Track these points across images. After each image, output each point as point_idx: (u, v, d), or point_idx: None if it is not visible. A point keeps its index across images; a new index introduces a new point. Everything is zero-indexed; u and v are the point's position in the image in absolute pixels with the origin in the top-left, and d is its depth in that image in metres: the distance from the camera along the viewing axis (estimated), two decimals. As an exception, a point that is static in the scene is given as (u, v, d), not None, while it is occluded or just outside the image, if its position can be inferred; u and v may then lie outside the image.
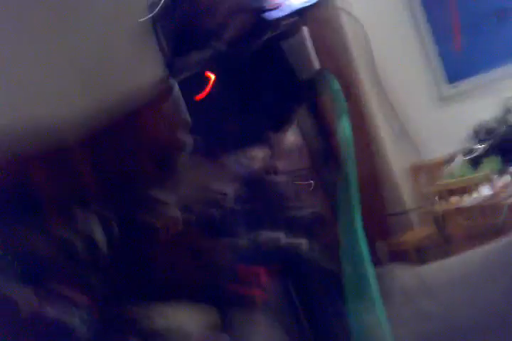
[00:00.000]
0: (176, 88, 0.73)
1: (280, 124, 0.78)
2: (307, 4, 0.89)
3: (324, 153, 0.92)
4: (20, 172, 5.57)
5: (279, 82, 0.71)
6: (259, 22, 0.68)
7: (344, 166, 0.69)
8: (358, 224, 0.68)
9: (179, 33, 0.73)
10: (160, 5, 0.79)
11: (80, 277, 4.65)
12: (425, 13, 4.06)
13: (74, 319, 3.21)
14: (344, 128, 0.70)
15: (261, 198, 0.79)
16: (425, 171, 4.31)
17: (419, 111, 3.99)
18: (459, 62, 4.04)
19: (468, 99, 4.06)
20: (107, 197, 6.44)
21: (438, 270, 1.85)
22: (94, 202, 6.20)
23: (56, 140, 5.88)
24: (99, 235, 5.56)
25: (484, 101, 3.92)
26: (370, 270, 0.66)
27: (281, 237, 0.77)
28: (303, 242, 0.76)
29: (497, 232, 3.14)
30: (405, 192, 4.47)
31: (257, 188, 0.81)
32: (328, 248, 0.77)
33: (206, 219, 5.43)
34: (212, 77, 0.70)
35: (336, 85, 0.72)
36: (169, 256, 5.60)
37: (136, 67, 6.00)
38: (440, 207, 3.64)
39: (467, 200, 3.41)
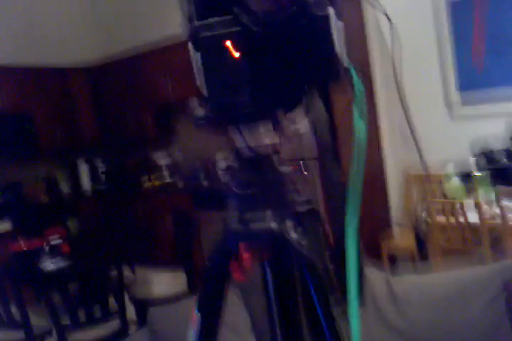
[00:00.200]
0: (196, 50, 0.70)
1: (293, 104, 0.76)
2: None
3: (332, 149, 0.91)
4: (23, 107, 5.50)
5: (304, 62, 0.68)
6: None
7: (353, 168, 0.68)
8: (354, 224, 0.67)
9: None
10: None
11: (62, 219, 4.63)
12: (450, 25, 4.04)
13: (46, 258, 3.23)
14: (360, 129, 0.68)
15: (260, 179, 0.78)
16: (420, 183, 4.32)
17: (430, 123, 3.99)
18: (479, 78, 4.02)
19: (477, 124, 4.06)
20: (102, 145, 6.41)
21: (411, 284, 1.85)
22: (89, 148, 6.18)
23: (63, 78, 5.79)
24: (84, 180, 5.52)
25: (495, 130, 3.91)
26: (353, 271, 0.66)
27: (272, 222, 0.75)
28: (292, 231, 0.75)
29: (473, 259, 3.16)
30: (395, 200, 4.50)
31: (258, 169, 0.80)
32: (316, 242, 0.77)
33: (195, 187, 5.40)
34: (232, 45, 0.67)
35: (361, 86, 0.70)
36: (151, 214, 5.59)
37: (156, 18, 5.94)
38: (425, 222, 3.66)
39: (452, 222, 3.42)
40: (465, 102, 4.13)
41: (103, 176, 6.40)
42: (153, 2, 5.85)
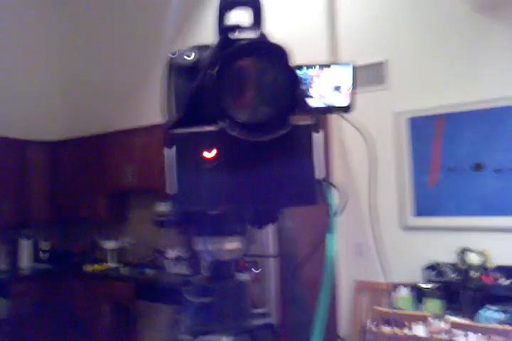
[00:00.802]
0: (167, 146, 0.67)
1: (266, 222, 0.74)
2: (338, 105, 0.87)
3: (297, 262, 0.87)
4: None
5: (281, 179, 0.66)
6: (289, 109, 0.64)
7: (323, 283, 0.65)
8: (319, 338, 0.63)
9: (193, 98, 0.69)
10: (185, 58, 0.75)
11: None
12: (410, 147, 4.24)
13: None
14: (331, 245, 0.66)
15: (216, 288, 0.73)
16: (369, 291, 4.29)
17: (382, 234, 4.03)
18: (431, 198, 4.16)
19: (429, 237, 4.14)
20: (49, 223, 6.16)
21: None
22: (36, 225, 5.93)
23: (20, 150, 5.71)
24: (24, 258, 5.26)
25: (445, 243, 4.00)
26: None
27: (224, 336, 0.70)
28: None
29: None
30: (343, 307, 4.43)
31: (216, 275, 0.75)
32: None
33: (140, 276, 5.17)
34: (211, 154, 0.65)
35: (334, 201, 0.69)
36: (89, 301, 5.32)
37: (124, 103, 6.07)
38: (371, 332, 3.57)
39: (399, 334, 3.35)
40: (417, 215, 4.24)
41: (45, 255, 6.13)
42: (124, 88, 5.98)
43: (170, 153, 0.66)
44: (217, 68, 0.60)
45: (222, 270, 0.74)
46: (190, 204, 0.66)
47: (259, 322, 0.75)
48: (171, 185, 0.66)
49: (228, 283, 0.73)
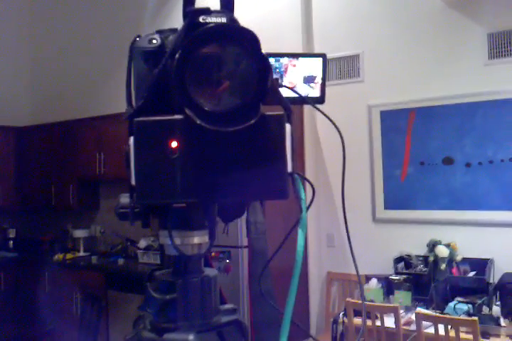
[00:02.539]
0: (130, 135, 0.64)
1: (233, 216, 0.71)
2: (311, 95, 0.84)
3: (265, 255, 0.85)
4: None
5: (251, 171, 0.63)
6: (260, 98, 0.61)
7: (293, 278, 0.63)
8: (285, 334, 0.61)
9: (155, 85, 0.65)
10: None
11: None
12: (383, 140, 4.25)
13: None
14: (302, 240, 0.63)
15: (182, 283, 0.70)
16: (340, 282, 4.31)
17: (352, 225, 4.05)
18: (402, 191, 4.18)
19: (400, 229, 4.17)
20: (16, 210, 6.05)
21: None
22: (2, 211, 5.82)
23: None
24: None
25: (415, 236, 4.03)
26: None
27: (190, 334, 0.67)
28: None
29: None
30: (315, 298, 4.44)
31: (182, 270, 0.72)
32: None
33: (110, 265, 5.11)
34: (174, 144, 0.61)
35: (304, 195, 0.66)
36: (59, 289, 5.24)
37: (93, 89, 5.90)
38: (342, 323, 3.59)
39: (369, 325, 3.37)
40: (388, 207, 4.26)
41: (12, 243, 6.02)
42: (94, 74, 5.88)
43: (131, 142, 0.63)
44: (179, 53, 0.57)
45: (188, 265, 0.71)
46: (150, 197, 0.62)
47: (227, 318, 0.73)
48: (132, 175, 0.63)
49: (194, 278, 0.70)
